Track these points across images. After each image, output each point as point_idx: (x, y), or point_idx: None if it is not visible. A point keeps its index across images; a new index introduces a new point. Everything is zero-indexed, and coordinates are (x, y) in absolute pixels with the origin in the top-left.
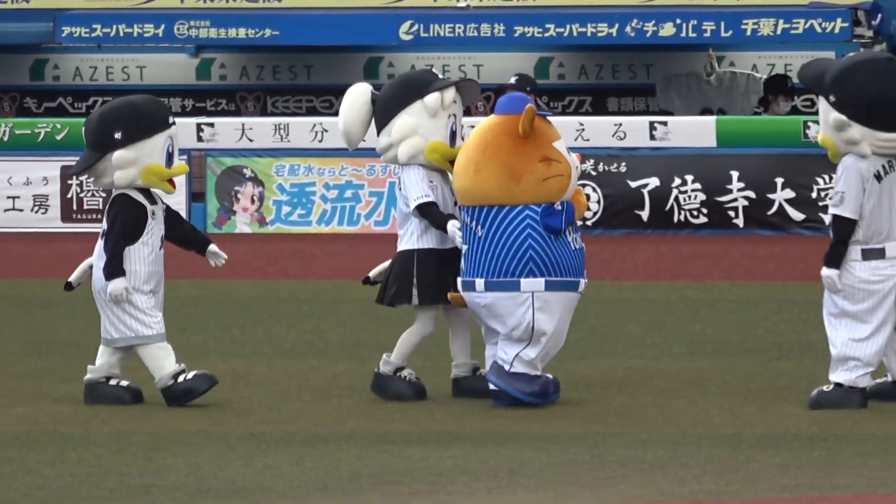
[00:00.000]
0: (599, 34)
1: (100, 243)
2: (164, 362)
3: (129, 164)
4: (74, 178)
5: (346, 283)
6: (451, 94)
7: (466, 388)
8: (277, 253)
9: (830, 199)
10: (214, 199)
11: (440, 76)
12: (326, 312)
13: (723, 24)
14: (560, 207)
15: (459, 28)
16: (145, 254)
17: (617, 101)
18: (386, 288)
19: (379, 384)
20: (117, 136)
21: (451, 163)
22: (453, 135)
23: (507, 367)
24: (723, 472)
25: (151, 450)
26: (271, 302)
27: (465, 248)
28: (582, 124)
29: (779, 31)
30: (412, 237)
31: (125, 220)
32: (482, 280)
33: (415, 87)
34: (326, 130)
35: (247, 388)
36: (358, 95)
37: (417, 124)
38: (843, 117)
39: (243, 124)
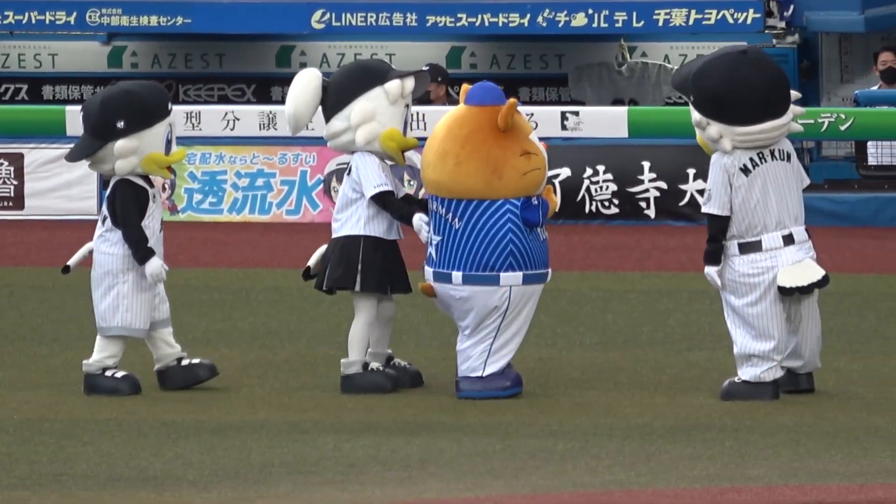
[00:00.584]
0: (511, 24)
1: (100, 227)
2: (110, 352)
3: (131, 152)
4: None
5: (257, 272)
6: (410, 83)
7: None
8: (189, 241)
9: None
10: None
11: (387, 63)
12: (238, 301)
13: (635, 14)
14: (536, 202)
15: (371, 17)
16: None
17: (529, 91)
18: (326, 272)
19: (353, 384)
20: (120, 125)
21: (402, 153)
22: (405, 125)
23: (479, 374)
24: (634, 463)
25: (62, 438)
26: (182, 290)
27: (436, 239)
28: None
29: (691, 22)
30: (358, 223)
31: (131, 203)
32: (459, 273)
33: (374, 73)
34: (238, 119)
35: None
36: (310, 80)
37: (376, 110)
38: (701, 116)
39: None
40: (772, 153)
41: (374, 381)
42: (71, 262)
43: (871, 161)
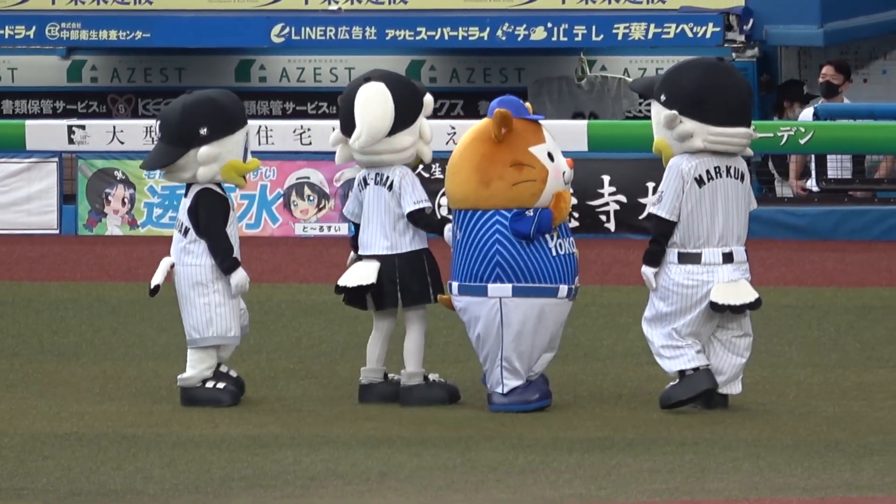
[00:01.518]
0: (471, 38)
1: (181, 239)
2: (207, 363)
3: (213, 160)
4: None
5: None
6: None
7: (380, 395)
8: (148, 255)
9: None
10: (85, 202)
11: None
12: None
13: (594, 28)
14: (532, 213)
15: (331, 31)
16: None
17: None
18: (401, 290)
19: (413, 397)
20: (203, 131)
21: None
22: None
23: (500, 390)
24: (594, 477)
25: (22, 452)
26: (142, 304)
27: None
28: (454, 127)
29: (650, 36)
30: (417, 237)
31: (217, 212)
32: (456, 283)
33: (416, 90)
34: None
35: (118, 391)
36: (389, 96)
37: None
38: (674, 112)
39: (114, 126)
40: (728, 170)
41: (436, 394)
42: (156, 280)
43: (831, 174)
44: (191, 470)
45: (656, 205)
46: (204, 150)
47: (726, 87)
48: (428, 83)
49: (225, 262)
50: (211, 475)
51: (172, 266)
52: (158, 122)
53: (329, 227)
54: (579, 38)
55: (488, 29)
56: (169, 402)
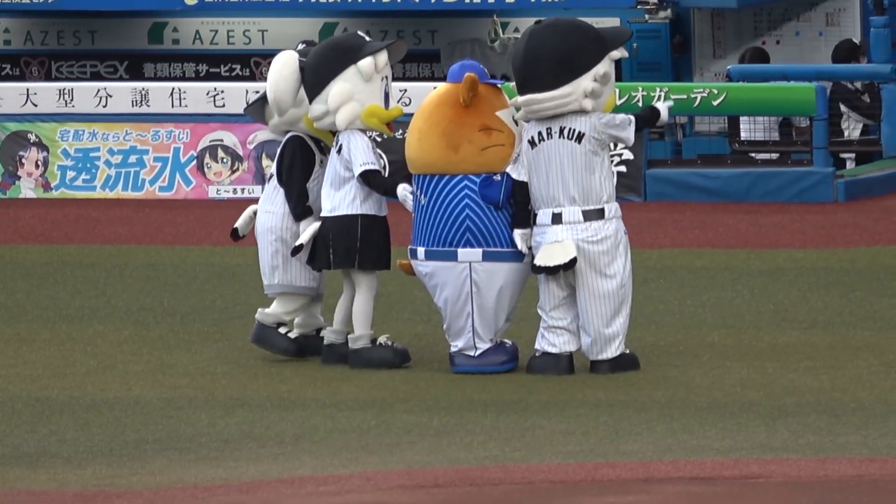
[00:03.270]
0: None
1: (267, 186)
2: (286, 308)
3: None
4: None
5: (130, 249)
6: (383, 57)
7: (341, 356)
8: (62, 218)
9: None
10: None
11: (367, 38)
12: (111, 278)
13: None
14: (500, 178)
15: None
16: (310, 200)
17: (402, 67)
18: (330, 252)
19: (361, 359)
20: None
21: (388, 125)
22: (387, 97)
23: (472, 353)
24: (508, 439)
25: None
26: (56, 267)
27: (414, 215)
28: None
29: None
30: (354, 202)
31: (298, 161)
32: (423, 248)
33: (346, 52)
34: (111, 95)
35: (31, 353)
36: (286, 63)
37: (353, 90)
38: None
39: (28, 89)
40: (561, 131)
41: (382, 356)
42: (238, 224)
43: (744, 136)
44: (105, 432)
45: (513, 167)
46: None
47: (523, 54)
48: None
49: (297, 207)
50: (125, 437)
51: (255, 213)
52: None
53: (243, 190)
54: (492, 0)
55: None
56: (83, 364)
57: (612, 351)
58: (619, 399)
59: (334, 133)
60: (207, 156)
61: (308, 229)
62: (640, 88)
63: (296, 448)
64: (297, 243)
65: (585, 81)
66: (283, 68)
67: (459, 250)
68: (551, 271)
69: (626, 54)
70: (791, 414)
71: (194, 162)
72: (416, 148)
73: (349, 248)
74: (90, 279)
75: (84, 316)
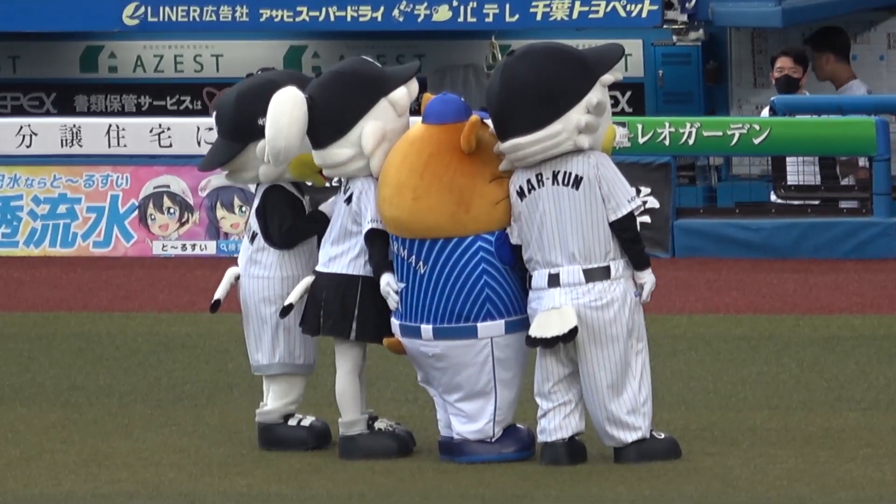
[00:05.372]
0: (362, 18)
1: (248, 247)
2: (291, 397)
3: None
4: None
5: (59, 316)
6: (415, 86)
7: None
8: None
9: None
10: None
11: (376, 63)
12: (37, 350)
13: (508, 7)
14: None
15: (195, 11)
16: (304, 259)
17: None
18: (321, 315)
19: (357, 448)
20: (262, 122)
21: (320, 172)
22: None
23: (490, 437)
24: None
25: None
26: None
27: (401, 286)
28: None
29: (575, 16)
30: (357, 260)
31: (285, 208)
32: (429, 326)
33: (371, 84)
34: (35, 134)
35: None
36: (297, 103)
37: (385, 128)
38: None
39: None
40: (554, 176)
41: (383, 444)
42: (219, 294)
43: (791, 180)
44: None
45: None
46: (263, 144)
47: (497, 92)
48: (310, 73)
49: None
50: None
51: (238, 278)
52: (214, 114)
53: (193, 246)
54: (490, 19)
55: (382, 8)
56: (3, 455)
57: (632, 433)
58: (643, 494)
59: (323, 174)
60: (151, 205)
61: (299, 285)
62: (668, 124)
63: None
64: (287, 302)
65: (576, 115)
66: (295, 109)
67: (479, 325)
68: (548, 343)
69: (620, 77)
70: None
71: (135, 213)
72: (412, 210)
73: (345, 314)
74: (11, 352)
75: (4, 397)
